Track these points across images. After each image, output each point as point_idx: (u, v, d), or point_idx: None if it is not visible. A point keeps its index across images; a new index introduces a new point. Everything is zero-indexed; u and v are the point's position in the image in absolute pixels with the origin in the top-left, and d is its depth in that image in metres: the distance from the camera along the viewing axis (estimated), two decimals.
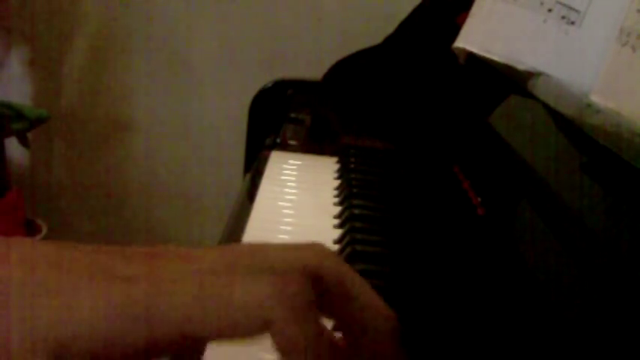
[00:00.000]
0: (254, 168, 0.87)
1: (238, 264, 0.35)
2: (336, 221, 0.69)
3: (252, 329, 0.34)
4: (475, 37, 0.68)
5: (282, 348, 0.34)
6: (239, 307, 0.33)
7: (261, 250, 0.37)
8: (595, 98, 0.55)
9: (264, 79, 1.09)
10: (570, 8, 0.61)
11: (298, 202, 0.76)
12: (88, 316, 0.31)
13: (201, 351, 0.40)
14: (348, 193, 0.74)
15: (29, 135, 1.54)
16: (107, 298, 0.32)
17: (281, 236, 0.67)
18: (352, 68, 1.01)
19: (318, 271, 0.36)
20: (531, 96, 0.64)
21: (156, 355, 0.33)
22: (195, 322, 0.33)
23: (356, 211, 0.69)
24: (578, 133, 0.60)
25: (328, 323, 0.37)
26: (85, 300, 0.32)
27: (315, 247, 0.37)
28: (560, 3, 0.61)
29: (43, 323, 0.31)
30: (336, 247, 0.64)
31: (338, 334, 0.37)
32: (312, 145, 0.92)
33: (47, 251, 0.34)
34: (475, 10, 0.70)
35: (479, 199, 0.67)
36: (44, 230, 1.56)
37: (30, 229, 1.55)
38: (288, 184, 0.80)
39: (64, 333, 0.31)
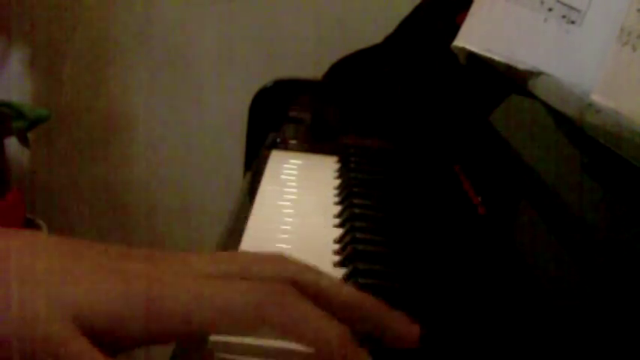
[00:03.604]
0: (254, 167, 0.87)
1: (232, 270, 0.41)
2: (337, 221, 0.69)
3: (248, 326, 0.38)
4: (475, 36, 0.68)
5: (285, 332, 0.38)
6: (238, 306, 0.38)
7: (243, 258, 0.43)
8: (595, 98, 0.55)
9: (264, 79, 1.09)
10: (571, 7, 0.61)
11: (298, 201, 0.76)
12: (98, 299, 0.38)
13: (204, 339, 0.43)
14: (349, 192, 0.74)
15: (29, 135, 1.54)
16: (113, 288, 0.38)
17: (281, 235, 0.67)
18: (352, 68, 1.01)
19: (294, 278, 0.41)
20: (531, 95, 0.64)
21: (160, 342, 0.39)
22: (195, 319, 0.38)
23: (356, 211, 0.69)
24: (578, 132, 0.59)
25: None
26: (97, 286, 0.38)
27: (285, 260, 0.43)
28: (561, 2, 0.61)
29: (65, 298, 0.37)
30: (336, 246, 0.64)
31: None
32: (312, 144, 0.92)
33: (63, 242, 0.41)
34: (475, 9, 0.70)
35: (479, 199, 0.67)
36: (44, 230, 1.56)
37: (30, 229, 1.55)
38: (289, 183, 0.80)
39: (82, 307, 0.37)
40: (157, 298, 0.38)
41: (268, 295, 0.39)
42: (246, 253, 0.44)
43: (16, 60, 1.68)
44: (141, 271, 0.39)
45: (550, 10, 0.62)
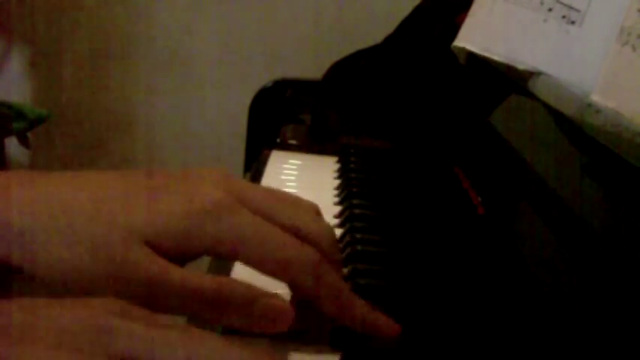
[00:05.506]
0: (254, 168, 0.87)
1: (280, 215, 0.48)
2: (336, 221, 0.69)
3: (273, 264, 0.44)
4: (475, 36, 0.68)
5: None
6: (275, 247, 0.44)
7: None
8: (595, 98, 0.55)
9: (264, 79, 1.09)
10: (571, 8, 0.61)
11: None
12: (164, 220, 0.41)
13: None
14: (348, 192, 0.74)
15: (29, 135, 1.54)
16: (175, 208, 0.42)
17: None
18: (352, 68, 1.01)
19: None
20: (531, 96, 0.64)
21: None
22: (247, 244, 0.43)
23: (356, 211, 0.69)
24: (578, 132, 0.59)
25: None
26: (160, 207, 0.42)
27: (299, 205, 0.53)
28: (561, 2, 0.61)
29: (134, 223, 0.41)
30: None
31: None
32: (312, 144, 0.92)
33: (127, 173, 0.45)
34: (474, 9, 0.70)
35: (479, 199, 0.67)
36: None
37: None
38: (288, 183, 0.80)
39: (151, 229, 0.41)
40: (216, 217, 0.41)
41: (296, 251, 0.44)
42: (284, 196, 0.51)
43: (16, 60, 1.68)
44: (197, 190, 0.43)
45: (550, 10, 0.62)
